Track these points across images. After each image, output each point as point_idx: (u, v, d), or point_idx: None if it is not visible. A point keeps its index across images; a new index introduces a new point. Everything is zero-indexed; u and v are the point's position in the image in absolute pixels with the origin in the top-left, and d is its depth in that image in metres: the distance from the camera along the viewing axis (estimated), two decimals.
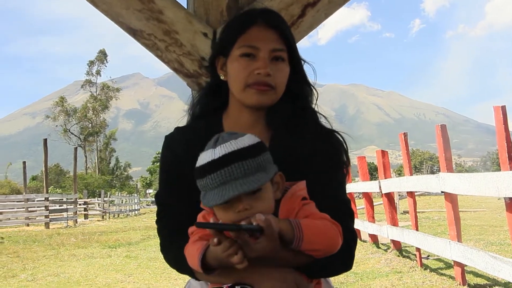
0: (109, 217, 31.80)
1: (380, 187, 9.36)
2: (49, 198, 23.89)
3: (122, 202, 39.03)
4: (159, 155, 1.70)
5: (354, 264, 1.51)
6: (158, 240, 1.60)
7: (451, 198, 6.39)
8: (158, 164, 1.67)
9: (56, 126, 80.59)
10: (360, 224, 10.78)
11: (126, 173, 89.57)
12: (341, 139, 1.62)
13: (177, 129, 1.68)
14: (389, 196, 9.35)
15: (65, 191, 48.22)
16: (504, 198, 4.86)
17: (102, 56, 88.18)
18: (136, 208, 39.07)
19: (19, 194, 30.97)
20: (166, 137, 1.67)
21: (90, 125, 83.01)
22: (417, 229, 7.72)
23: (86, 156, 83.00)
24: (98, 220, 29.57)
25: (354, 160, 12.52)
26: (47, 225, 22.45)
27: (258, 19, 1.53)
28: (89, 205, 32.78)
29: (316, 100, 1.67)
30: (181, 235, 1.45)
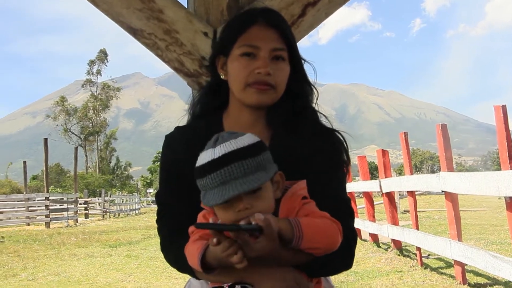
0: (110, 217, 31.79)
1: (380, 187, 9.36)
2: (50, 198, 23.88)
3: (122, 201, 39.03)
4: (160, 154, 1.70)
5: (354, 263, 1.52)
6: (158, 240, 1.60)
7: (451, 197, 6.39)
8: (158, 163, 1.68)
9: (57, 125, 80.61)
10: (361, 223, 10.78)
11: (126, 172, 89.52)
12: (342, 138, 1.62)
13: (178, 128, 1.68)
14: (390, 196, 9.35)
15: (66, 191, 48.22)
16: (505, 197, 4.87)
17: (103, 55, 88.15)
18: (136, 208, 39.03)
19: (20, 194, 31.00)
20: (167, 136, 1.67)
21: (91, 124, 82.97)
22: (417, 228, 7.72)
23: (86, 156, 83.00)
24: (98, 220, 29.57)
25: (354, 160, 12.52)
26: (47, 224, 22.44)
27: (258, 19, 1.53)
28: (90, 205, 32.77)
29: (317, 100, 1.67)
30: (181, 234, 1.45)
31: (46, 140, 25.93)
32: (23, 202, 23.92)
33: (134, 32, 2.09)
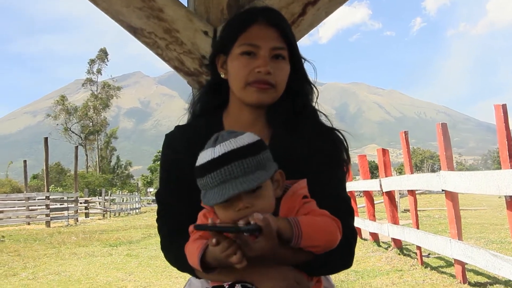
0: (110, 216, 31.81)
1: (381, 186, 9.35)
2: (50, 197, 23.87)
3: (123, 200, 39.09)
4: (160, 153, 1.70)
5: (355, 263, 1.52)
6: (158, 239, 1.60)
7: (451, 197, 6.38)
8: (158, 162, 1.67)
9: (57, 124, 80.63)
10: (361, 222, 10.78)
11: (127, 171, 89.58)
12: (342, 137, 1.62)
13: (178, 127, 1.68)
14: (390, 195, 9.35)
15: (66, 190, 48.26)
16: (505, 196, 4.86)
17: (103, 54, 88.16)
18: (137, 207, 39.08)
19: (20, 193, 31.02)
20: (167, 135, 1.68)
21: (91, 123, 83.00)
22: (417, 228, 7.72)
23: (87, 155, 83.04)
24: (99, 219, 29.57)
25: (355, 159, 12.51)
26: (48, 223, 22.45)
27: (258, 18, 1.54)
28: (90, 204, 32.77)
29: (317, 99, 1.67)
30: (181, 233, 1.46)
31: (46, 139, 25.91)
32: (24, 201, 23.91)
33: (134, 31, 2.09)
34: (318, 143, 1.56)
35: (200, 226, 1.25)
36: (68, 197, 27.42)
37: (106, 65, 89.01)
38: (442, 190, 6.45)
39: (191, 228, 1.41)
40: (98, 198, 36.47)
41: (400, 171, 38.17)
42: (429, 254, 8.39)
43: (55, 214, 24.25)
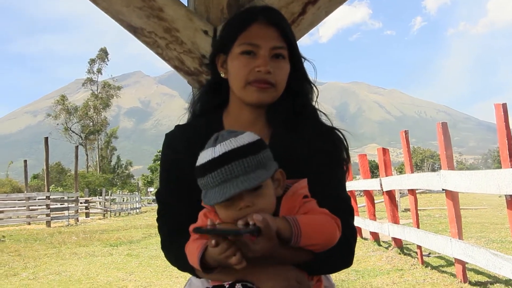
0: (111, 216, 31.82)
1: (381, 185, 9.35)
2: (50, 197, 23.87)
3: (123, 200, 39.10)
4: (160, 153, 1.70)
5: (355, 262, 1.52)
6: (159, 238, 1.60)
7: (452, 196, 6.38)
8: (159, 162, 1.67)
9: (57, 124, 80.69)
10: (361, 222, 10.78)
11: (127, 171, 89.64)
12: (342, 136, 1.62)
13: (178, 127, 1.68)
14: (390, 194, 9.35)
15: (67, 190, 48.30)
16: (505, 195, 4.86)
17: (103, 54, 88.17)
18: (137, 207, 39.07)
19: (21, 193, 31.01)
20: (167, 135, 1.67)
21: (91, 123, 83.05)
22: (418, 227, 7.72)
23: (87, 155, 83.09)
24: (99, 219, 29.58)
25: (355, 158, 12.51)
26: (48, 223, 22.45)
27: (258, 17, 1.53)
28: (90, 204, 32.79)
29: (317, 98, 1.67)
30: (181, 233, 1.45)
31: (46, 139, 25.90)
32: (24, 201, 23.92)
33: (134, 30, 2.09)
34: (318, 143, 1.56)
35: (199, 229, 1.24)
36: (68, 197, 27.42)
37: (107, 64, 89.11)
38: (443, 190, 6.45)
39: (191, 227, 1.41)
40: (99, 198, 36.49)
41: (401, 171, 38.19)
42: (429, 254, 8.39)
43: (56, 214, 24.26)
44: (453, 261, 6.66)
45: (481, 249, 5.46)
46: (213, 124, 1.60)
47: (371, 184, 10.33)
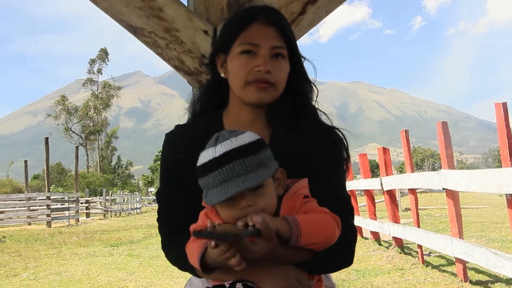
0: (111, 216, 31.81)
1: (381, 184, 9.35)
2: (51, 197, 23.88)
3: (123, 200, 39.09)
4: (160, 153, 1.70)
5: (356, 261, 1.52)
6: (159, 239, 1.61)
7: (452, 195, 6.38)
8: (159, 162, 1.67)
9: (58, 124, 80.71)
10: (362, 221, 10.78)
11: (127, 171, 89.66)
12: (341, 135, 1.62)
13: (178, 126, 1.68)
14: (391, 193, 9.34)
15: (67, 190, 48.28)
16: (506, 194, 4.86)
17: (103, 54, 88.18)
18: (137, 207, 39.05)
19: (21, 193, 31.02)
20: (167, 135, 1.67)
21: (92, 123, 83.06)
22: (418, 226, 7.71)
23: (87, 155, 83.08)
24: (99, 219, 29.57)
25: (355, 158, 12.50)
26: (49, 224, 22.46)
27: (258, 17, 1.54)
28: (91, 204, 32.79)
29: (317, 97, 1.67)
30: (182, 233, 1.45)
31: (47, 139, 25.90)
32: (24, 201, 23.93)
33: (134, 30, 2.09)
34: (318, 143, 1.56)
35: (198, 233, 1.24)
36: (69, 197, 27.41)
37: (107, 64, 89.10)
38: (443, 189, 6.45)
39: (192, 227, 1.41)
40: (99, 198, 36.49)
41: (401, 170, 38.17)
42: (430, 253, 8.39)
43: (56, 214, 24.27)
44: (454, 260, 6.66)
45: (481, 248, 5.46)
46: (213, 124, 1.60)
47: (372, 184, 10.33)
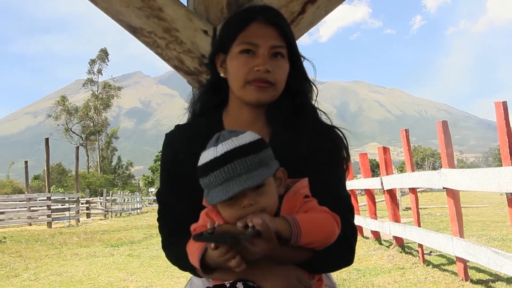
0: (112, 216, 31.80)
1: (382, 184, 9.35)
2: (51, 198, 23.90)
3: (124, 201, 39.09)
4: (161, 153, 1.70)
5: (356, 261, 1.52)
6: (160, 239, 1.61)
7: (453, 194, 6.38)
8: (159, 162, 1.68)
9: (58, 125, 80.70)
10: (363, 220, 10.78)
11: (128, 171, 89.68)
12: (341, 135, 1.62)
13: (178, 126, 1.68)
14: (391, 193, 9.35)
15: (67, 190, 48.26)
16: (506, 193, 4.86)
17: (104, 54, 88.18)
18: (138, 207, 39.08)
19: (21, 194, 31.00)
20: (167, 135, 1.67)
21: (92, 124, 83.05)
22: (419, 225, 7.71)
23: (88, 155, 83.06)
24: (100, 219, 29.57)
25: (356, 157, 12.49)
26: (49, 224, 22.46)
27: (257, 16, 1.54)
28: (91, 204, 32.80)
29: (316, 97, 1.67)
30: (182, 233, 1.46)
31: (47, 140, 25.90)
32: (25, 202, 23.92)
33: (134, 30, 2.09)
34: (318, 142, 1.56)
35: (198, 237, 1.24)
36: (69, 198, 27.43)
37: (107, 65, 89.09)
38: (443, 188, 6.45)
39: (193, 226, 1.42)
40: (100, 199, 36.50)
41: (401, 169, 38.17)
42: (430, 252, 8.39)
43: (57, 214, 24.27)
44: (455, 259, 6.66)
45: (482, 247, 5.46)
46: (212, 124, 1.60)
47: (372, 183, 10.33)
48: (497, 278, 6.34)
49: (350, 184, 11.18)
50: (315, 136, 1.57)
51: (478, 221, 13.59)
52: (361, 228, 11.02)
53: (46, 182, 25.48)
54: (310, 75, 1.65)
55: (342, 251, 1.44)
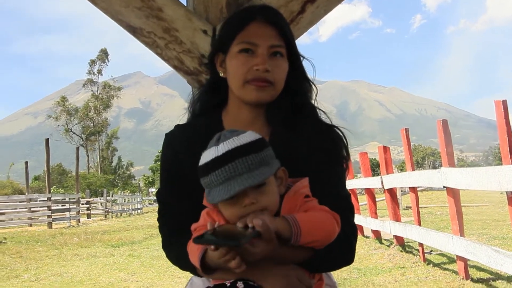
0: (112, 216, 31.79)
1: (382, 183, 9.35)
2: (52, 198, 23.89)
3: (124, 201, 39.05)
4: (161, 153, 1.70)
5: (357, 260, 1.52)
6: (160, 239, 1.61)
7: (453, 193, 6.38)
8: (159, 162, 1.68)
9: (58, 125, 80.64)
10: (363, 220, 10.78)
11: (128, 172, 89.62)
12: (341, 134, 1.62)
13: (177, 126, 1.68)
14: (392, 192, 9.35)
15: (68, 191, 48.24)
16: (506, 192, 4.86)
17: (103, 55, 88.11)
18: (138, 207, 39.06)
19: (22, 194, 30.98)
20: (167, 135, 1.67)
21: (92, 124, 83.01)
22: (419, 224, 7.71)
23: (88, 156, 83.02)
24: (100, 220, 29.56)
25: (356, 157, 12.51)
26: (49, 225, 22.45)
27: (257, 16, 1.54)
28: (92, 205, 32.79)
29: (316, 96, 1.67)
30: (182, 232, 1.46)
31: (47, 140, 25.90)
32: (25, 202, 23.90)
33: (134, 30, 2.09)
34: (317, 141, 1.56)
35: (198, 240, 1.24)
36: (69, 198, 27.42)
37: (107, 65, 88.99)
38: (444, 187, 6.45)
39: (193, 226, 1.42)
40: (100, 199, 36.49)
41: (402, 168, 38.17)
42: (431, 251, 8.40)
43: (57, 215, 24.25)
44: (455, 258, 6.66)
45: (482, 246, 5.46)
46: (212, 124, 1.60)
47: (372, 182, 10.33)
48: (498, 276, 6.35)
49: (351, 184, 11.19)
50: (315, 135, 1.57)
51: (479, 220, 13.60)
52: (361, 227, 11.03)
53: (47, 182, 25.49)
54: (310, 74, 1.65)
55: (342, 250, 1.44)
